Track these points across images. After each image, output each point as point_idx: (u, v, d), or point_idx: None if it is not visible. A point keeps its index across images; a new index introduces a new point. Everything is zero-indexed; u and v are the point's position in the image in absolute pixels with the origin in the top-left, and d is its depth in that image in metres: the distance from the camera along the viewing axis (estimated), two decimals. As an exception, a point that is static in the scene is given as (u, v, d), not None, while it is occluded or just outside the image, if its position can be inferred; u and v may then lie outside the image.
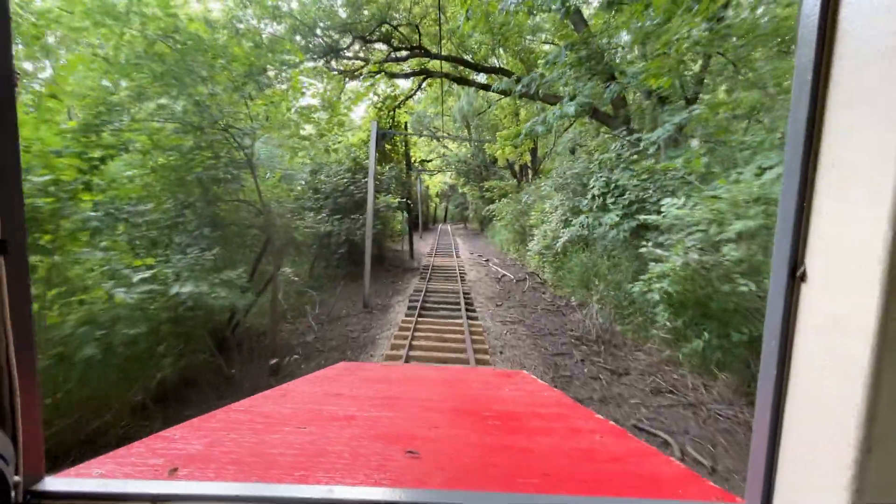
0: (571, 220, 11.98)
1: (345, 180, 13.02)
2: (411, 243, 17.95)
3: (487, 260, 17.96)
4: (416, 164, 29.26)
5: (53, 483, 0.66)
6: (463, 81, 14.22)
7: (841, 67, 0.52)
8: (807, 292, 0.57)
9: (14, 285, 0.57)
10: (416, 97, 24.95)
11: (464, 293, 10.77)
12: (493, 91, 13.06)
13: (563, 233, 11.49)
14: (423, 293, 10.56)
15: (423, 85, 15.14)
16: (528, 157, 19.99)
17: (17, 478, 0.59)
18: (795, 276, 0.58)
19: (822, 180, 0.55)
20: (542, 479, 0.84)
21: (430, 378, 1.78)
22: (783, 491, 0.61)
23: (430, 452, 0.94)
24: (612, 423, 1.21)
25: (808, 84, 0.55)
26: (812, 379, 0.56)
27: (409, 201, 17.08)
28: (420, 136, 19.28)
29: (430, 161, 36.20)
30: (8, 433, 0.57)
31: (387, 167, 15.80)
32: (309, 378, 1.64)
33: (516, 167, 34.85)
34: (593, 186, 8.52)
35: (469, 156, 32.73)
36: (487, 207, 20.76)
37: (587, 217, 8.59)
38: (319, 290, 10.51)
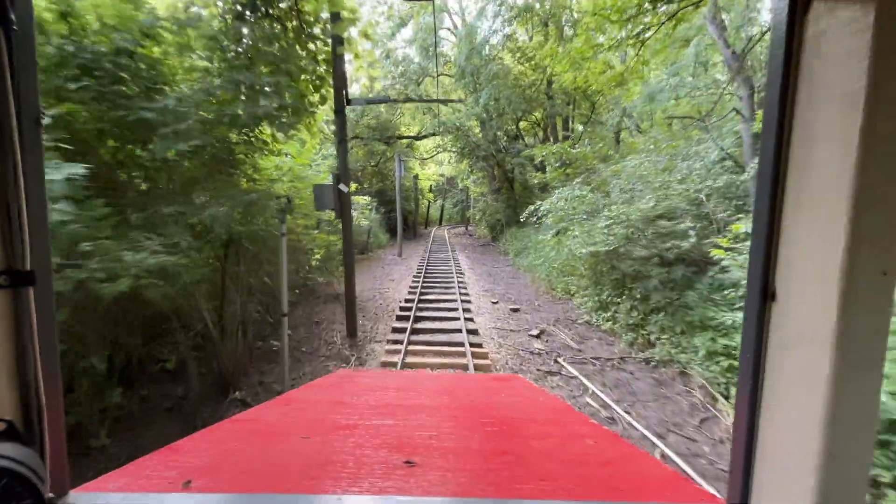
0: None
1: None
2: (350, 301, 7.09)
3: (541, 333, 7.32)
4: (394, 134, 18.62)
5: (78, 498, 0.68)
6: None
7: (803, 110, 0.58)
8: (777, 311, 0.63)
9: (42, 313, 0.60)
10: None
11: None
12: None
13: None
14: None
15: None
16: (640, 89, 9.22)
17: (50, 494, 0.62)
18: (766, 296, 0.63)
19: (788, 211, 0.61)
20: (538, 485, 0.86)
21: (429, 385, 1.74)
22: (759, 493, 0.65)
23: (433, 459, 0.95)
24: (604, 427, 1.24)
25: (775, 125, 0.61)
26: (782, 389, 0.61)
27: (339, 186, 6.31)
28: None
29: (421, 136, 25.42)
30: (36, 451, 0.60)
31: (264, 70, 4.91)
32: (310, 386, 1.64)
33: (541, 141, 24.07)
34: None
35: (475, 123, 22.03)
36: (536, 206, 10.01)
37: None
38: None
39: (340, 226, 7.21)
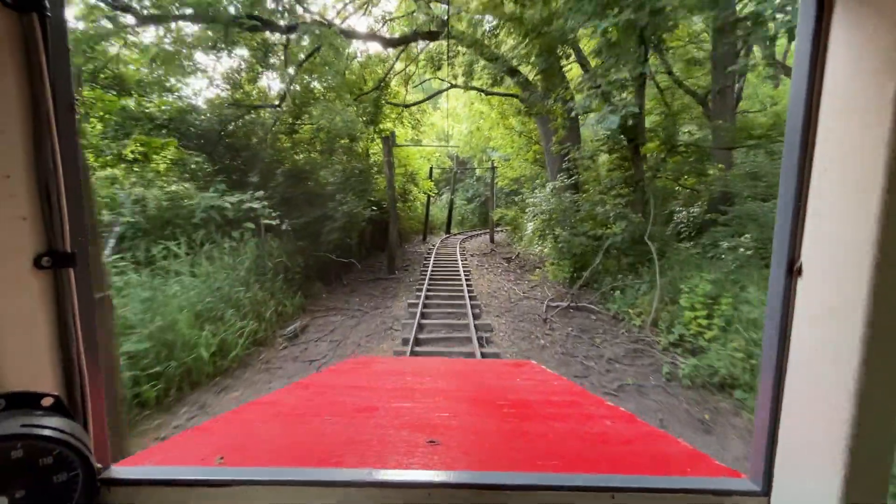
0: None
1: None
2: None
3: None
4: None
5: (119, 471, 0.70)
6: None
7: (833, 79, 0.56)
8: (803, 286, 0.61)
9: (82, 294, 0.62)
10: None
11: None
12: None
13: None
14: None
15: None
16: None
17: (98, 465, 0.65)
18: (793, 270, 0.62)
19: (816, 183, 0.58)
20: (561, 461, 0.87)
21: (443, 370, 1.80)
22: (783, 466, 0.64)
23: (454, 439, 0.97)
24: (621, 409, 1.23)
25: (804, 94, 0.58)
26: (808, 364, 0.60)
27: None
28: None
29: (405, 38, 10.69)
30: (81, 425, 0.61)
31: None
32: (327, 372, 1.69)
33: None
34: None
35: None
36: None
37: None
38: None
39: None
